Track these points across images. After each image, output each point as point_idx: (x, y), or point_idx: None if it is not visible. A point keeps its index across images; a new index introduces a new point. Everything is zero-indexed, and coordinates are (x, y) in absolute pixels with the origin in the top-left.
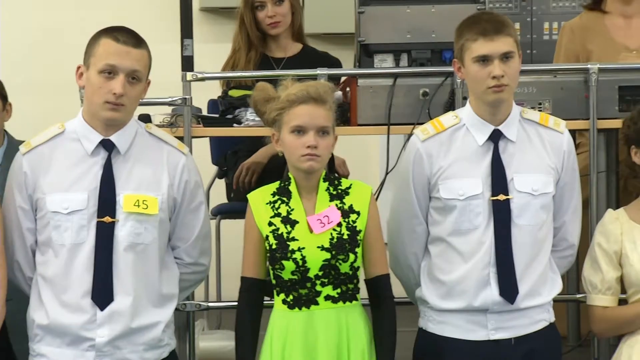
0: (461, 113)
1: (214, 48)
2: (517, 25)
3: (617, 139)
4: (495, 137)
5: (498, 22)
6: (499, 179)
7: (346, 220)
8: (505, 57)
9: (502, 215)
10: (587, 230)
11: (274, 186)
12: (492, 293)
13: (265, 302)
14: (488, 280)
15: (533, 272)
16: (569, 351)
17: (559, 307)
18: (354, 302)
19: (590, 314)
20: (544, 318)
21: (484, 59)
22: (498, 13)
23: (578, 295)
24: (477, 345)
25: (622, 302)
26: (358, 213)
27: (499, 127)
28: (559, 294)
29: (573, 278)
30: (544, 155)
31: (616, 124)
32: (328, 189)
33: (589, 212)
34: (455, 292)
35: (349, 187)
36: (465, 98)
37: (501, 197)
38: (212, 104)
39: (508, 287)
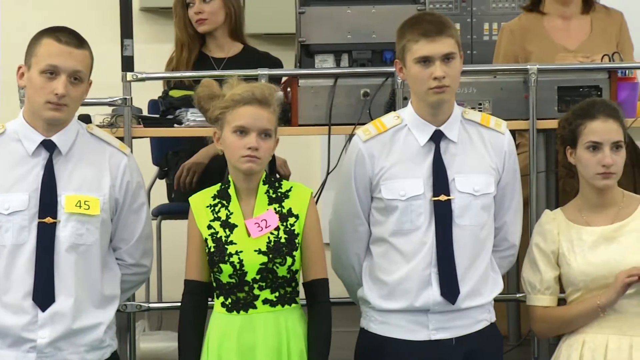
0: (403, 113)
1: (155, 48)
2: (457, 26)
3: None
4: (437, 137)
5: (439, 23)
6: (440, 180)
7: (284, 223)
8: (447, 58)
9: (443, 215)
10: (528, 230)
11: (214, 189)
12: (433, 293)
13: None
14: (429, 281)
15: (474, 272)
16: (509, 350)
17: (500, 307)
18: (292, 305)
19: (530, 314)
20: (485, 318)
21: (426, 60)
22: (439, 14)
23: (518, 295)
24: (419, 346)
25: (562, 301)
26: (297, 216)
27: (441, 128)
28: (499, 294)
29: (513, 278)
30: (485, 155)
31: (555, 124)
32: (267, 191)
33: (529, 212)
34: (396, 292)
35: (289, 190)
36: (405, 98)
37: (442, 197)
38: (153, 104)
39: (449, 288)
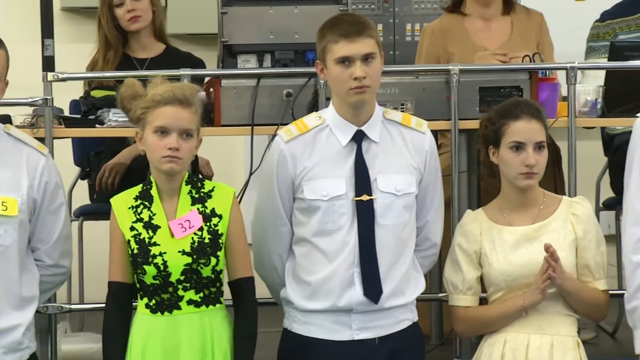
0: (324, 114)
1: (76, 48)
2: (379, 27)
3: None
4: (358, 137)
5: (359, 23)
6: (362, 180)
7: (208, 224)
8: (367, 58)
9: (365, 215)
10: (450, 229)
11: (136, 190)
12: (356, 293)
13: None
14: (352, 281)
15: (397, 272)
16: (432, 350)
17: (422, 306)
18: (217, 305)
19: (452, 314)
20: (408, 317)
21: (346, 61)
22: (360, 14)
23: (440, 295)
24: (342, 346)
25: (483, 301)
26: (220, 216)
27: (362, 128)
28: (422, 293)
29: (436, 277)
30: (407, 155)
31: (477, 124)
32: (190, 192)
33: (450, 211)
34: (319, 292)
35: (212, 190)
36: (328, 99)
37: (365, 197)
38: (74, 105)
39: (372, 287)
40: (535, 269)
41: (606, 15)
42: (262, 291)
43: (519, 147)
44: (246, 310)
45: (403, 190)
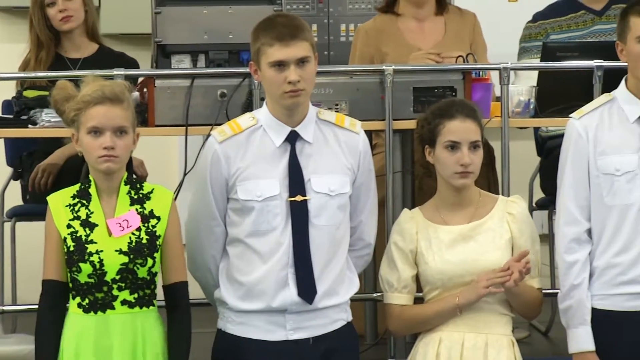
0: (258, 114)
1: (8, 48)
2: (314, 27)
3: (413, 139)
4: (292, 138)
5: (294, 26)
6: (296, 180)
7: (146, 225)
8: (301, 62)
9: (299, 216)
10: (384, 229)
11: (74, 188)
12: (290, 293)
13: None
14: (286, 281)
15: (331, 272)
16: (366, 349)
17: (357, 306)
18: (150, 307)
19: (387, 312)
20: (342, 317)
21: (280, 64)
22: (294, 15)
23: (375, 295)
24: (276, 346)
25: (420, 301)
26: (158, 218)
27: (296, 129)
28: (356, 293)
29: (370, 277)
30: (341, 155)
31: (411, 124)
32: (129, 192)
33: (385, 212)
34: (253, 293)
35: (151, 192)
36: (262, 99)
37: (299, 198)
38: (7, 105)
39: (306, 288)
40: (471, 267)
41: (538, 16)
42: (196, 292)
43: (454, 146)
44: (181, 314)
45: (337, 190)
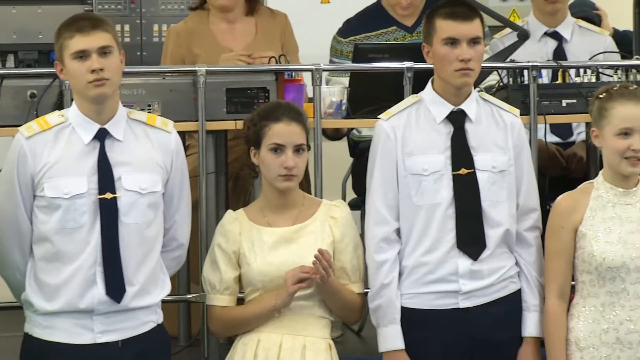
0: (67, 112)
1: None
2: (126, 28)
3: (226, 140)
4: (102, 136)
5: (94, 19)
6: (105, 178)
7: None
8: (103, 52)
9: (108, 214)
10: (197, 231)
11: None
12: (98, 292)
13: None
14: (94, 280)
15: (142, 272)
16: (179, 351)
17: (170, 308)
18: None
19: (208, 313)
20: (152, 319)
21: (82, 55)
22: (97, 14)
23: (189, 296)
24: (84, 350)
25: (241, 301)
26: None
27: (105, 126)
28: (169, 295)
29: (184, 279)
30: (152, 154)
31: (224, 125)
32: None
33: (198, 213)
34: (60, 293)
35: None
36: (73, 99)
37: (108, 195)
38: None
39: (114, 287)
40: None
41: (349, 31)
42: (3, 294)
43: (278, 149)
44: None
45: (148, 188)
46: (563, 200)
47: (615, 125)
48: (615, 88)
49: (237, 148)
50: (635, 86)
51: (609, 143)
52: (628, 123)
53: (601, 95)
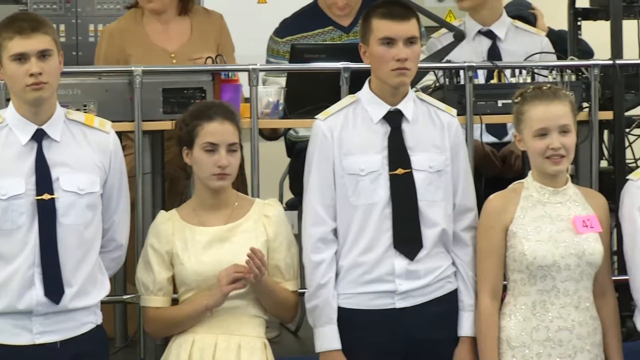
0: (4, 113)
1: None
2: (62, 27)
3: (163, 140)
4: (39, 136)
5: (34, 20)
6: (43, 179)
7: None
8: (43, 55)
9: (46, 214)
10: (134, 231)
11: None
12: (37, 293)
13: None
14: (33, 281)
15: (81, 273)
16: (116, 352)
17: (107, 309)
18: None
19: (142, 315)
20: (91, 320)
21: (21, 57)
22: (38, 14)
23: (125, 297)
24: (22, 351)
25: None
26: None
27: (43, 127)
28: (107, 296)
29: (120, 279)
30: (91, 154)
31: (161, 125)
32: None
33: (135, 213)
34: None
35: None
36: (8, 100)
37: (46, 196)
38: None
39: (53, 287)
40: None
41: (285, 31)
42: None
43: (211, 148)
44: None
45: (86, 189)
46: (493, 200)
47: (531, 127)
48: (528, 91)
49: (172, 149)
50: (548, 85)
51: (529, 145)
52: (542, 123)
53: (516, 100)
